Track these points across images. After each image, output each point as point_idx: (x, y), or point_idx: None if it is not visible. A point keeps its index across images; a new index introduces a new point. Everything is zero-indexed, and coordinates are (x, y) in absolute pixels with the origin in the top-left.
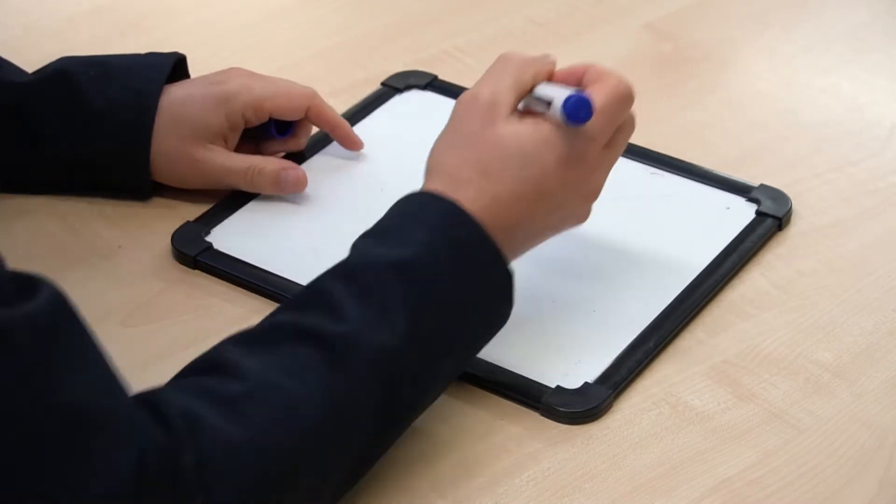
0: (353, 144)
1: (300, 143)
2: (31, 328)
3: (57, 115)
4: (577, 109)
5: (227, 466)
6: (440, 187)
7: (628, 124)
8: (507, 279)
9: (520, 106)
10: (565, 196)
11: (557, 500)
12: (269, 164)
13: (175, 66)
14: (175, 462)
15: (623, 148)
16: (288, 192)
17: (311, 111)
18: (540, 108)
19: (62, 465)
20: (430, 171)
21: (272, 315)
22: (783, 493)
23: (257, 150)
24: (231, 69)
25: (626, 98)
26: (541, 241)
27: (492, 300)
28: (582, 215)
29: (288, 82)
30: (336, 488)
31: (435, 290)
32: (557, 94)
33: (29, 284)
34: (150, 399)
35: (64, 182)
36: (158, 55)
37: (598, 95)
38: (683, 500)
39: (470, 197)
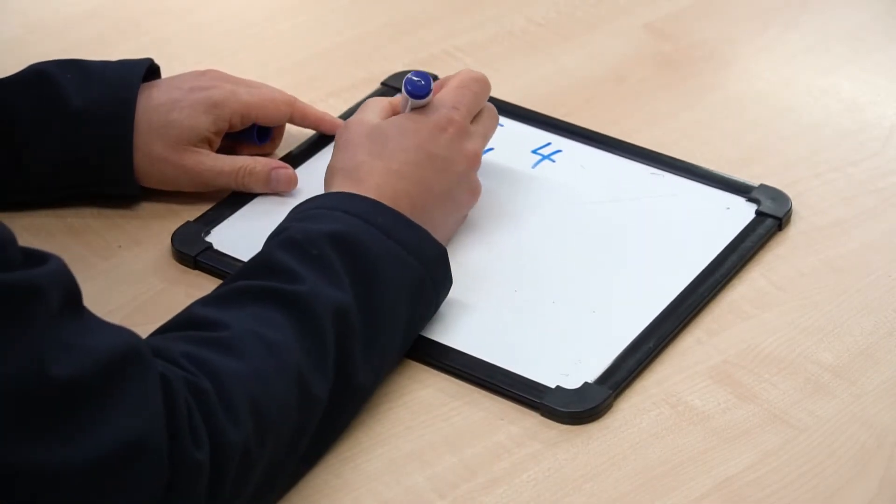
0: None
1: (275, 146)
2: (55, 286)
3: (36, 114)
4: (413, 83)
5: (237, 391)
6: (340, 184)
7: (490, 110)
8: (433, 247)
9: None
10: (448, 154)
11: (557, 501)
12: (258, 164)
13: (150, 70)
14: (196, 387)
15: (489, 127)
16: (279, 191)
17: (296, 115)
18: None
19: (102, 405)
20: (326, 179)
21: (226, 283)
22: (783, 493)
23: (233, 152)
24: (208, 71)
25: (475, 77)
26: (450, 212)
27: (420, 269)
28: (473, 183)
29: (269, 88)
30: (306, 448)
31: (365, 259)
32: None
33: (38, 255)
34: (150, 346)
35: (46, 188)
36: (130, 60)
37: (450, 80)
38: (683, 500)
39: (364, 174)
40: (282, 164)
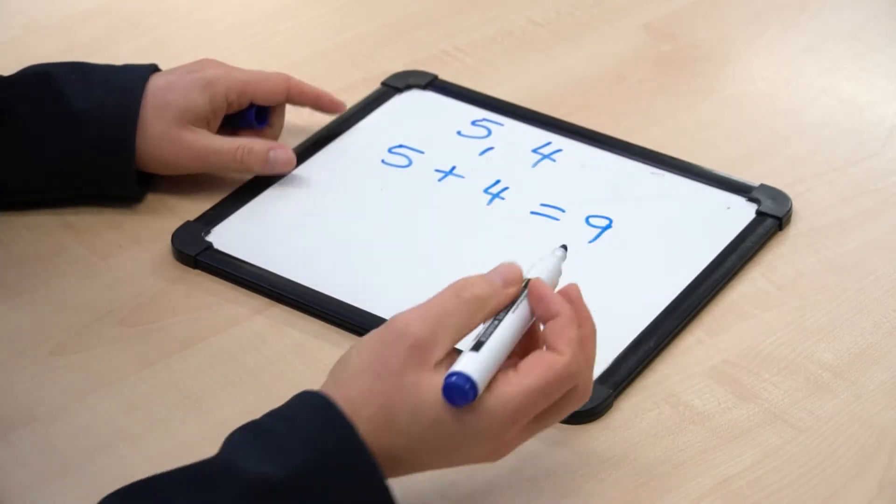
0: (337, 107)
1: (275, 132)
2: None
3: (38, 114)
4: (451, 394)
5: None
6: (340, 402)
7: (576, 396)
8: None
9: None
10: (468, 458)
11: (557, 501)
12: (257, 143)
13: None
14: None
15: (559, 418)
16: (277, 172)
17: (292, 91)
18: None
19: None
20: (335, 378)
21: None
22: (783, 493)
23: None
24: (204, 59)
25: (562, 379)
26: (445, 464)
27: None
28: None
29: (262, 70)
30: None
31: None
32: (458, 363)
33: None
34: None
35: (46, 188)
36: (134, 65)
37: (529, 375)
38: (684, 499)
39: (364, 431)
40: (280, 144)
